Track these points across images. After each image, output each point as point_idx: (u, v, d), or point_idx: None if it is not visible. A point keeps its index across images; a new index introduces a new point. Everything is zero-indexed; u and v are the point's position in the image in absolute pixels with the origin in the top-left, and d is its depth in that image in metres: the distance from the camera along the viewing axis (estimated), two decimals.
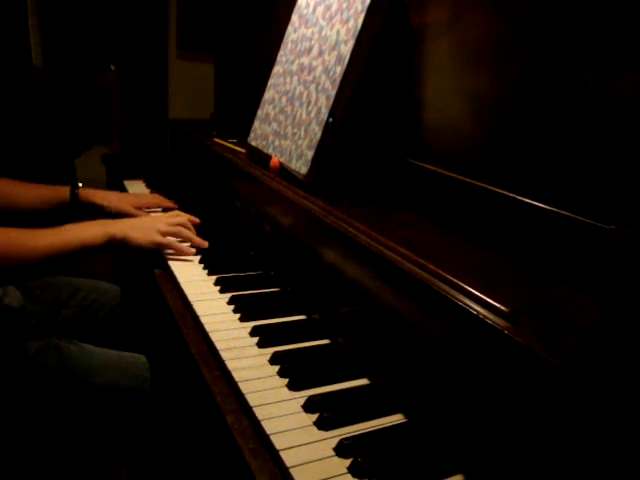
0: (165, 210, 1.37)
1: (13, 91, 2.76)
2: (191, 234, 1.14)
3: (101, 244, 1.02)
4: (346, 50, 0.96)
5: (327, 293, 0.88)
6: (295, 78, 1.14)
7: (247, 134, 1.29)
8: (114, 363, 1.05)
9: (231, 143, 1.46)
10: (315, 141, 0.98)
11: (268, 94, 1.25)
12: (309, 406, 0.67)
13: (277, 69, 1.24)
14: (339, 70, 0.97)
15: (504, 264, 0.71)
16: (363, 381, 0.75)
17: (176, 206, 1.39)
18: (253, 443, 0.62)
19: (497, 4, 0.77)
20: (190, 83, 2.99)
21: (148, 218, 1.20)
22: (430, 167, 0.89)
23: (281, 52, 1.24)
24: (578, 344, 0.52)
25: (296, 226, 0.99)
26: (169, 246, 1.09)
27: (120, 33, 3.31)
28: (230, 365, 0.75)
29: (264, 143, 1.20)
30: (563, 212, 0.66)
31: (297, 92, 1.11)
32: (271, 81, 1.25)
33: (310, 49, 1.10)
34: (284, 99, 1.16)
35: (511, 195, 0.73)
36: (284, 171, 1.09)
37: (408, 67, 0.95)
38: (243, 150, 1.35)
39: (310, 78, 1.07)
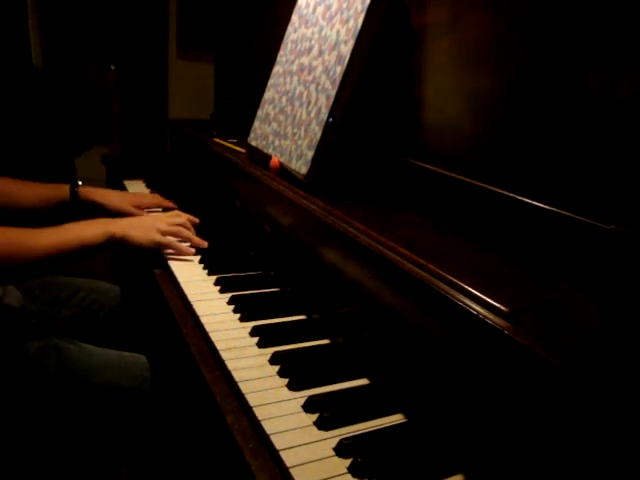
0: (165, 210, 1.36)
1: (13, 91, 2.76)
2: (191, 234, 1.14)
3: (101, 243, 1.02)
4: (346, 50, 0.96)
5: (327, 293, 0.88)
6: (295, 78, 1.14)
7: (247, 134, 1.29)
8: (114, 363, 1.05)
9: (231, 143, 1.46)
10: (315, 141, 0.98)
11: (268, 94, 1.25)
12: (309, 406, 0.67)
13: (277, 69, 1.24)
14: (339, 70, 0.97)
15: (504, 264, 0.71)
16: (363, 381, 0.75)
17: (176, 206, 1.39)
18: (253, 443, 0.62)
19: (497, 4, 0.77)
20: (190, 83, 2.99)
21: (148, 217, 1.20)
22: (430, 167, 0.89)
23: (281, 52, 1.24)
24: (578, 344, 0.52)
25: (296, 226, 0.99)
26: (169, 246, 1.09)
27: (120, 33, 3.31)
28: (230, 365, 0.75)
29: (264, 143, 1.20)
30: (563, 212, 0.66)
31: (297, 92, 1.11)
32: (271, 81, 1.25)
33: (310, 49, 1.10)
34: (284, 99, 1.16)
35: (511, 195, 0.73)
36: (284, 171, 1.09)
37: (408, 67, 0.95)
38: (243, 150, 1.35)
39: (310, 78, 1.07)
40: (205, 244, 1.14)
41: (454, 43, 0.85)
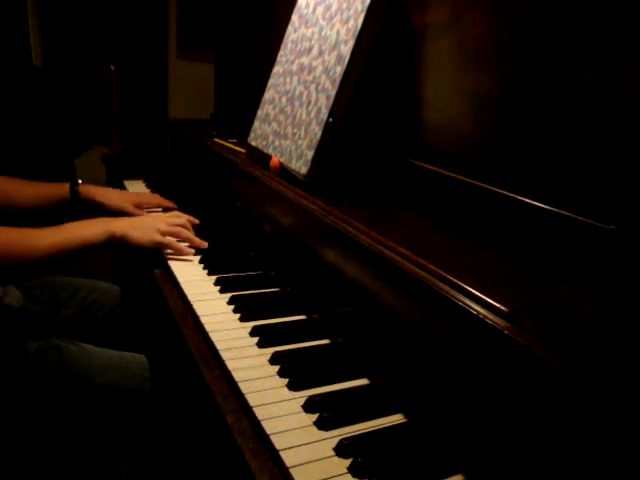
0: (165, 210, 1.37)
1: (13, 91, 2.76)
2: (191, 235, 1.14)
3: (101, 242, 1.02)
4: (346, 50, 0.96)
5: (327, 293, 0.88)
6: (295, 78, 1.14)
7: (247, 134, 1.29)
8: (114, 363, 1.05)
9: (231, 143, 1.46)
10: (315, 141, 0.98)
11: (268, 94, 1.25)
12: (309, 406, 0.67)
13: (277, 69, 1.24)
14: (339, 70, 0.97)
15: (504, 264, 0.71)
16: (363, 381, 0.75)
17: (176, 206, 1.39)
18: (253, 443, 0.62)
19: (497, 4, 0.77)
20: (190, 83, 2.99)
21: (148, 217, 1.20)
22: (430, 167, 0.89)
23: (281, 52, 1.24)
24: (578, 344, 0.52)
25: (296, 226, 0.99)
26: (168, 246, 1.09)
27: (120, 33, 3.31)
28: (230, 365, 0.75)
29: (264, 143, 1.20)
30: (563, 212, 0.66)
31: (297, 92, 1.11)
32: (271, 81, 1.25)
33: (310, 49, 1.10)
34: (284, 99, 1.16)
35: (511, 195, 0.73)
36: (284, 171, 1.09)
37: (408, 67, 0.95)
38: (243, 150, 1.35)
39: (310, 78, 1.07)
40: (205, 245, 1.14)
41: (454, 43, 0.85)
